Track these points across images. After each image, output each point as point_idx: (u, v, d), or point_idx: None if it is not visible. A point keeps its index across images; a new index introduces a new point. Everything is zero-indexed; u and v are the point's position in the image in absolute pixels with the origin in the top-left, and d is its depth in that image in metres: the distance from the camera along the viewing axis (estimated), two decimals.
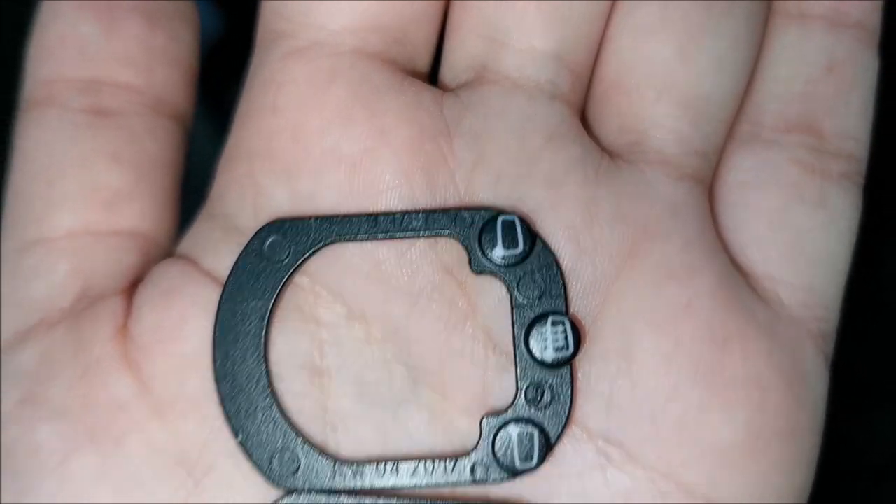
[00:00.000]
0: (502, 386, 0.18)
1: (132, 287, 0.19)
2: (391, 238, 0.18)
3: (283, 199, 0.18)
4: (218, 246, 0.19)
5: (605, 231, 0.18)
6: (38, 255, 0.19)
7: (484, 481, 0.17)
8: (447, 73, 0.20)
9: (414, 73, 0.19)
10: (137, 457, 0.17)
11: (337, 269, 0.18)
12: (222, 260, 0.18)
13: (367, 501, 0.17)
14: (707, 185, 0.19)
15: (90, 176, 0.19)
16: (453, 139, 0.18)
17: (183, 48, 0.20)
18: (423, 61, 0.20)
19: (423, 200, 0.18)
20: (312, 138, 0.18)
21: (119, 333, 0.18)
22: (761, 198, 0.19)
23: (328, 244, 0.18)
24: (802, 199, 0.19)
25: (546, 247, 0.18)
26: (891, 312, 0.29)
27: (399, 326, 0.18)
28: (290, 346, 0.18)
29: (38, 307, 0.19)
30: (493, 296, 0.18)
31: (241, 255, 0.18)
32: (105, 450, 0.17)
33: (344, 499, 0.17)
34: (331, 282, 0.18)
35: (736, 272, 0.19)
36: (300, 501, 0.17)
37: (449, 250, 0.18)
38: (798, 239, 0.19)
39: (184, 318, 0.18)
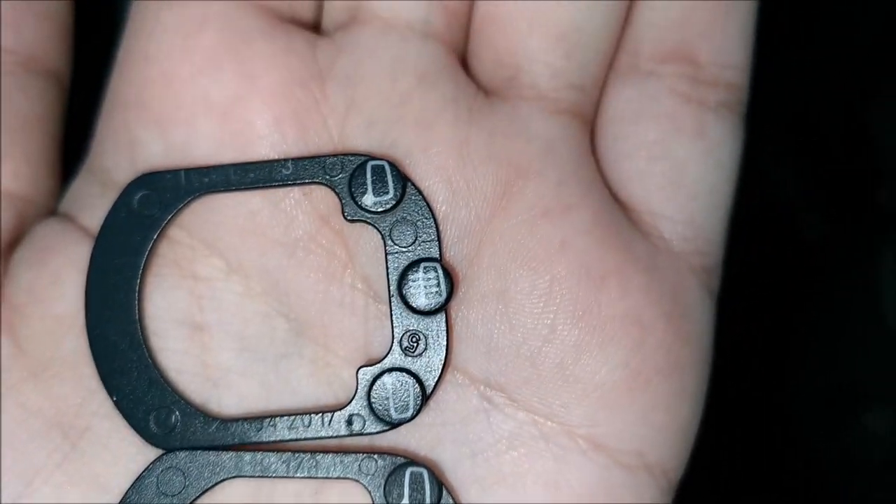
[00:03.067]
0: (385, 335, 0.18)
1: (9, 249, 0.19)
2: (262, 188, 0.17)
3: (158, 151, 0.18)
4: (95, 202, 0.18)
5: (478, 172, 0.17)
6: None
7: (361, 433, 0.17)
8: (326, 16, 0.19)
9: (295, 21, 0.19)
10: (12, 420, 0.17)
11: (212, 222, 0.18)
12: (99, 216, 0.18)
13: (245, 455, 0.17)
14: (586, 119, 0.19)
15: None
16: (326, 84, 0.18)
17: (53, 4, 0.20)
18: (305, 10, 0.19)
19: (297, 148, 0.18)
20: (183, 86, 0.18)
21: None
22: (640, 130, 0.18)
23: (199, 196, 0.18)
24: (680, 130, 0.18)
25: (418, 191, 0.17)
26: (883, 316, 0.29)
27: (278, 278, 0.18)
28: (167, 303, 0.18)
29: None
30: (371, 243, 0.18)
31: (110, 211, 0.18)
32: None
33: (222, 455, 0.17)
34: (207, 236, 0.18)
35: (615, 208, 0.18)
36: (177, 460, 0.17)
37: (323, 198, 0.18)
38: (677, 171, 0.18)
39: (58, 278, 0.18)
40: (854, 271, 0.29)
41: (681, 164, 0.18)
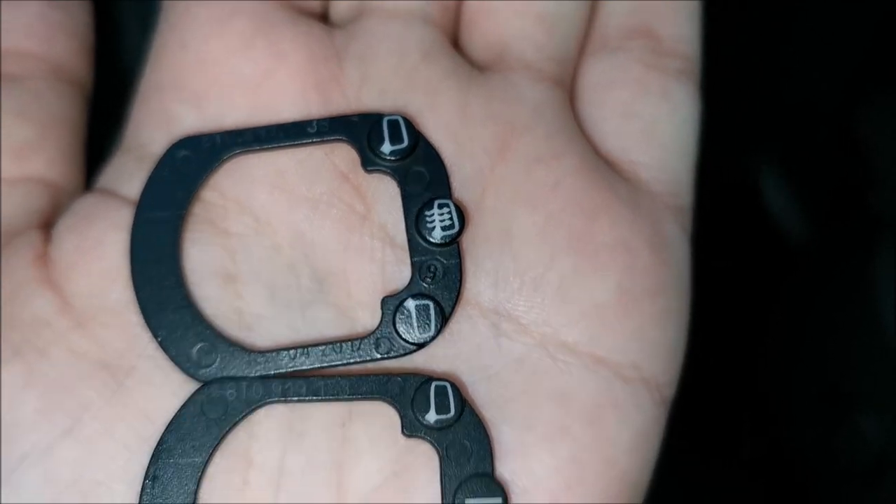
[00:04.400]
0: (402, 278, 0.20)
1: (47, 226, 0.20)
2: (289, 146, 0.20)
3: (193, 123, 0.20)
4: (133, 174, 0.20)
5: (478, 129, 0.20)
6: None
7: (388, 356, 0.19)
8: (335, 15, 0.22)
9: (308, 15, 0.22)
10: (62, 364, 0.18)
11: (243, 183, 0.20)
12: (138, 186, 0.20)
13: (280, 382, 0.19)
14: (566, 87, 0.22)
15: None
16: (342, 62, 0.20)
17: (79, 23, 0.23)
18: (314, 7, 0.22)
19: (319, 114, 0.20)
20: (217, 65, 0.20)
21: (39, 259, 0.19)
22: (613, 94, 0.21)
23: (234, 155, 0.20)
24: (648, 92, 0.21)
25: (428, 142, 0.20)
26: (876, 320, 0.30)
27: (303, 232, 0.20)
28: (203, 256, 0.19)
29: None
30: (387, 195, 0.20)
31: (155, 168, 0.20)
32: (30, 360, 0.18)
33: (260, 382, 0.19)
34: (239, 195, 0.20)
35: (598, 157, 0.21)
36: (218, 389, 0.18)
37: (343, 157, 0.20)
38: (649, 126, 0.21)
39: (102, 238, 0.19)
40: (848, 275, 0.30)
41: (651, 121, 0.21)
